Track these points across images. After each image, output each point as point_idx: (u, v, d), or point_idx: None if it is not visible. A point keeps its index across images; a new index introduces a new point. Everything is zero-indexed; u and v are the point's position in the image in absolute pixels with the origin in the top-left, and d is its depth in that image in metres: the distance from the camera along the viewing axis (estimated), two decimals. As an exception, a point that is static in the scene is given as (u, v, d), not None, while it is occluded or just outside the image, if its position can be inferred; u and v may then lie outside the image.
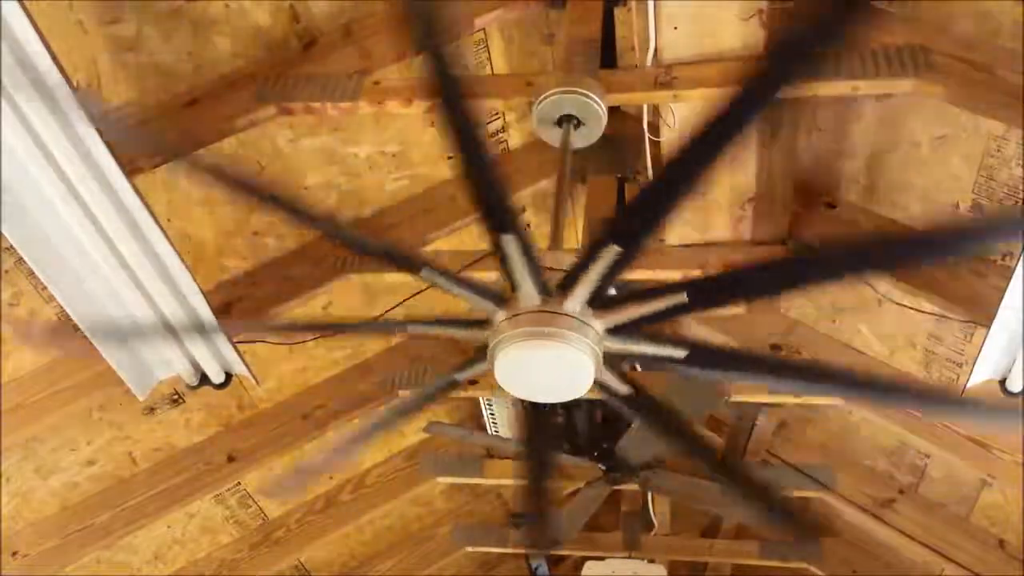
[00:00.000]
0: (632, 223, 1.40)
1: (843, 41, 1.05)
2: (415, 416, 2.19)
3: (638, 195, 1.37)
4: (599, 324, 1.55)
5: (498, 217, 1.41)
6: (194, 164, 1.70)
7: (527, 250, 1.46)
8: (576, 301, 1.52)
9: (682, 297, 1.47)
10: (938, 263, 1.28)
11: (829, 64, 2.05)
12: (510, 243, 1.44)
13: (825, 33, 1.04)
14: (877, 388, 1.67)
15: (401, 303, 2.89)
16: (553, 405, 1.74)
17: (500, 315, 1.57)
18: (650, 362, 1.65)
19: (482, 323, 1.61)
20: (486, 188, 1.37)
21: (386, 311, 2.89)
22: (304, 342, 3.04)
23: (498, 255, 1.47)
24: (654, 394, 1.75)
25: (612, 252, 1.41)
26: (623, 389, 1.70)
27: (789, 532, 2.05)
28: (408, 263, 1.63)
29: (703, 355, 1.64)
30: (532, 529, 2.28)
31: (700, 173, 1.25)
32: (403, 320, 1.97)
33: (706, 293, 1.50)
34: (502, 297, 1.57)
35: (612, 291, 1.57)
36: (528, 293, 1.53)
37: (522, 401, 1.75)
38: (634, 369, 2.53)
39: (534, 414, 1.85)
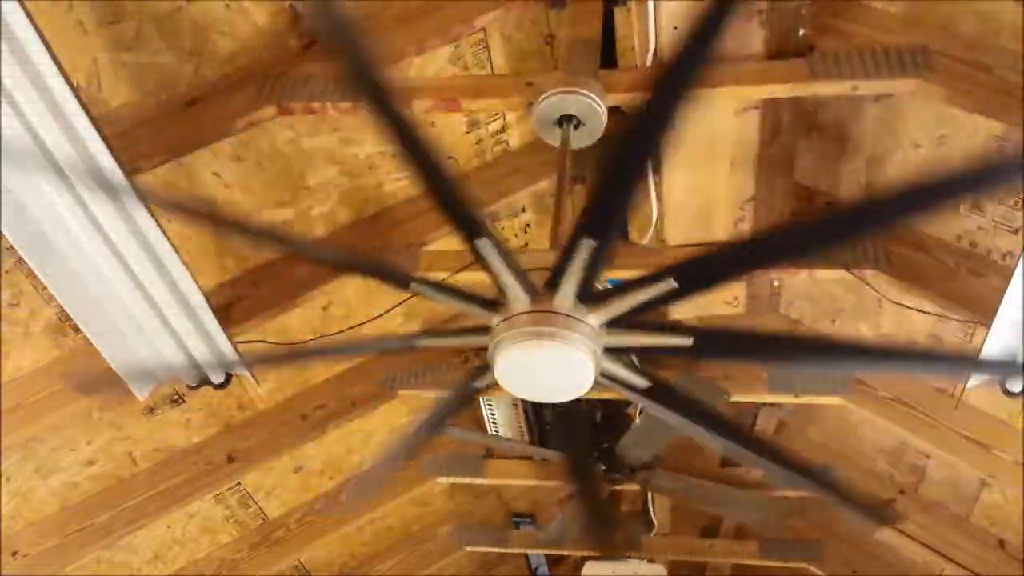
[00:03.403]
0: (597, 216, 1.43)
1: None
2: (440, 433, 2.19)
3: (596, 190, 1.41)
4: (594, 319, 1.55)
5: (467, 222, 1.45)
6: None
7: (503, 252, 1.48)
8: (565, 298, 1.53)
9: (670, 283, 1.47)
10: (938, 213, 1.23)
11: (828, 63, 2.06)
12: (485, 247, 1.47)
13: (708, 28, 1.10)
14: (888, 356, 1.67)
15: (402, 303, 2.89)
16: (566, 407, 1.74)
17: (496, 319, 1.57)
18: (656, 353, 1.65)
19: (482, 330, 1.61)
20: (448, 196, 1.41)
21: (386, 311, 2.89)
22: (304, 342, 3.04)
23: (478, 261, 1.48)
24: (671, 382, 1.72)
25: (587, 246, 1.44)
26: (640, 382, 1.68)
27: (849, 509, 1.99)
28: (395, 278, 1.64)
29: (709, 341, 1.64)
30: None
31: (643, 162, 1.34)
32: (406, 335, 1.97)
33: (695, 275, 1.49)
34: (494, 302, 1.58)
35: (608, 287, 1.57)
36: (516, 295, 1.54)
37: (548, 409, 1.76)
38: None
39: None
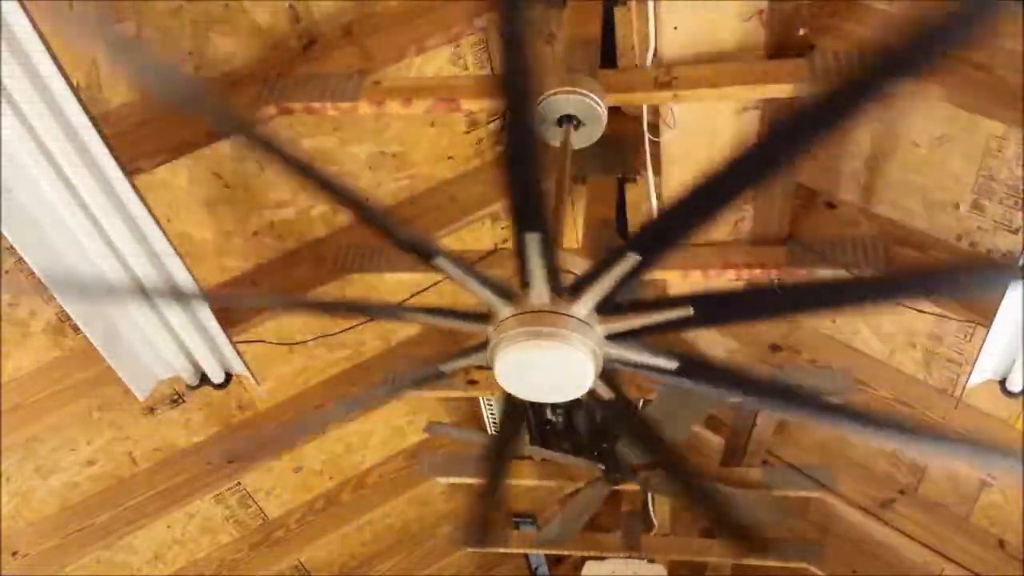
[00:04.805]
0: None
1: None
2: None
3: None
4: (601, 329, 1.54)
5: (414, 249, 1.50)
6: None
7: (461, 264, 1.49)
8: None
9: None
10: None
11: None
12: (443, 264, 1.49)
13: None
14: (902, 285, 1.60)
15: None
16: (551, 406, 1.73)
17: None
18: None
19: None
20: (384, 227, 1.47)
21: (386, 311, 2.89)
22: (304, 342, 3.04)
23: (445, 278, 1.49)
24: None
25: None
26: (667, 363, 1.64)
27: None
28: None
29: (711, 306, 1.60)
30: None
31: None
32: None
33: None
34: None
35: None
36: (492, 302, 1.54)
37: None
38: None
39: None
